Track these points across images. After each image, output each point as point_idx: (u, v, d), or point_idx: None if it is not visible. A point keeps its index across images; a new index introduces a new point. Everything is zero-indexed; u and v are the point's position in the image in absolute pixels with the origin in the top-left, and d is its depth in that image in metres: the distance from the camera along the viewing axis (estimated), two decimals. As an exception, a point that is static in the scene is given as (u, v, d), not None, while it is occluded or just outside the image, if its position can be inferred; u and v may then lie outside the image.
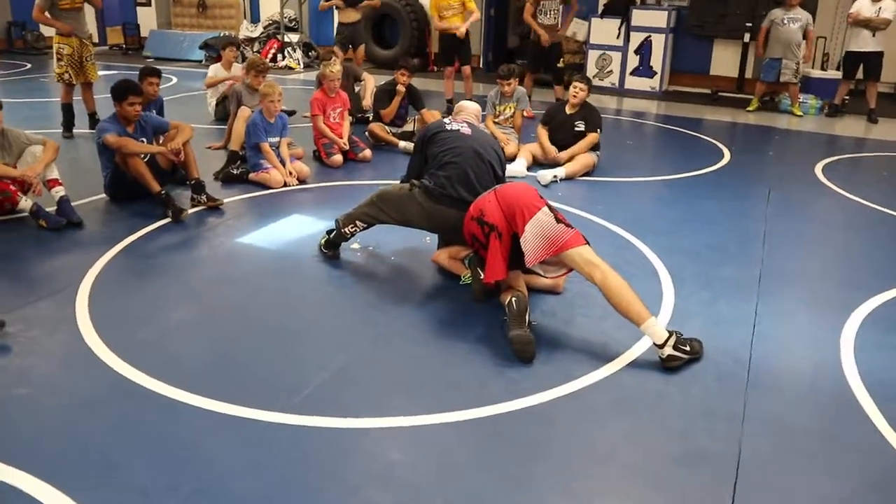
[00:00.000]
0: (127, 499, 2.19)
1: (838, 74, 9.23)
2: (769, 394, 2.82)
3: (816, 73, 9.75)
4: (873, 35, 8.41)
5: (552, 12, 8.28)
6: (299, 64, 12.48)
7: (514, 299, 3.04)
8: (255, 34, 13.27)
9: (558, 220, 3.16)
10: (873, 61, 8.54)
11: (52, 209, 4.51)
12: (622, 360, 3.03)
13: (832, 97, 9.11)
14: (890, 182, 6.12)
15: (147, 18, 14.70)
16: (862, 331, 3.35)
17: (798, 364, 3.07)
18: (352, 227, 3.90)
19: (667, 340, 2.94)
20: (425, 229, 3.88)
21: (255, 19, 14.03)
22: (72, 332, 3.19)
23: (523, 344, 2.96)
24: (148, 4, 14.81)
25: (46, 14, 6.46)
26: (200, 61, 12.63)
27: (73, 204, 4.60)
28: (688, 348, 2.97)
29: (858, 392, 2.84)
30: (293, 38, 12.80)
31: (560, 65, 8.55)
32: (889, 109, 9.18)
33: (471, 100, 8.56)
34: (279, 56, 12.54)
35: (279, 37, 12.77)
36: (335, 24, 13.50)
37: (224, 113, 7.51)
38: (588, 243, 3.17)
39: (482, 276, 3.42)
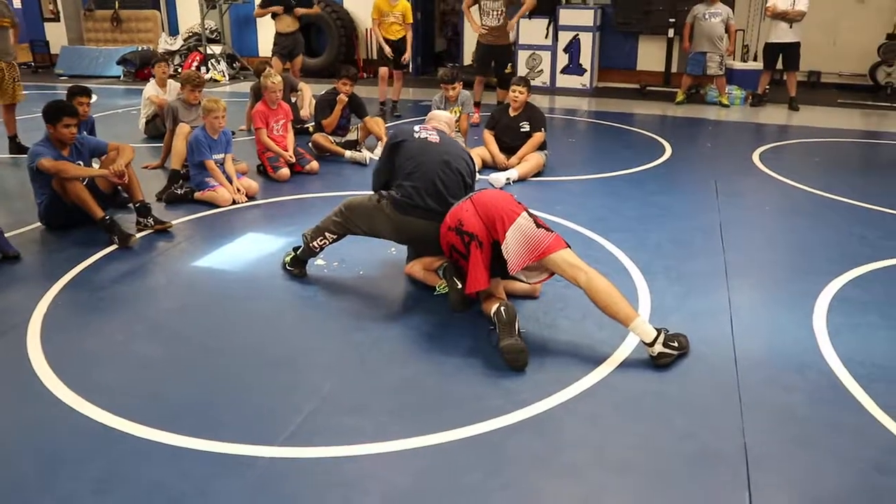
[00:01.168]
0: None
1: (759, 65, 9.60)
2: (760, 384, 2.86)
3: (738, 64, 10.12)
4: (790, 27, 8.79)
5: (494, 13, 8.23)
6: (224, 76, 12.12)
7: (502, 308, 2.99)
8: (175, 47, 12.81)
9: (538, 225, 3.13)
10: (791, 52, 8.92)
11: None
12: (613, 361, 3.01)
13: (755, 87, 9.47)
14: (824, 167, 6.39)
15: (56, 35, 13.97)
16: (831, 315, 3.44)
17: (781, 353, 3.12)
18: (321, 240, 3.75)
19: (656, 338, 2.95)
20: (395, 241, 3.78)
21: (173, 32, 13.56)
22: (27, 376, 2.94)
23: (516, 353, 2.91)
24: (56, 20, 14.10)
25: None
26: (119, 77, 12.11)
27: (6, 235, 4.28)
28: (676, 344, 2.98)
29: (843, 376, 2.91)
30: (216, 49, 12.43)
31: (508, 70, 8.45)
32: (807, 97, 9.61)
33: (397, 102, 8.65)
34: (203, 69, 12.14)
35: (201, 49, 12.37)
36: (258, 35, 13.35)
37: (155, 130, 7.22)
38: (569, 246, 3.15)
39: (459, 287, 3.37)
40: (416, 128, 3.79)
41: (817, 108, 9.19)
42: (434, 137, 3.68)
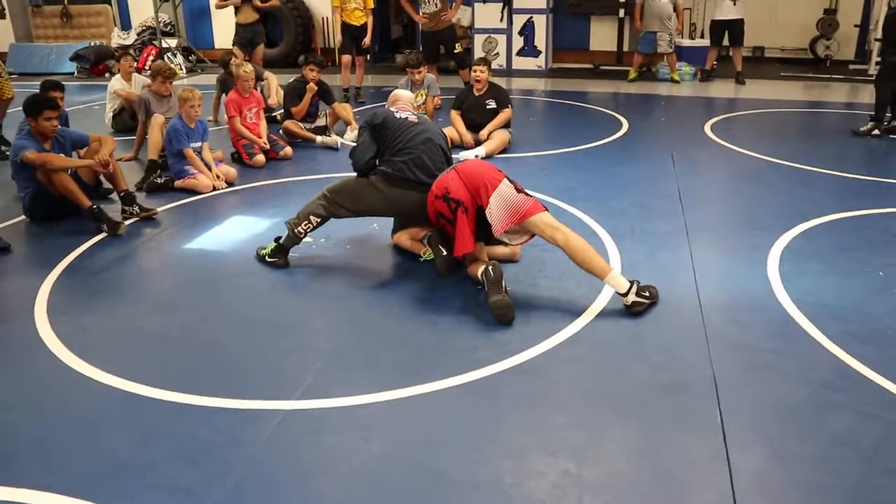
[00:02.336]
0: (173, 499, 2.23)
1: (706, 42, 10.03)
2: (723, 325, 3.19)
3: (687, 42, 10.53)
4: (734, 4, 9.21)
5: (431, 0, 8.51)
6: (182, 69, 12.08)
7: (489, 268, 3.25)
8: (129, 41, 12.69)
9: (518, 191, 3.40)
10: (736, 28, 9.36)
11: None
12: (591, 312, 3.31)
13: (703, 63, 9.90)
14: (770, 135, 6.81)
15: (3, 32, 13.70)
16: (782, 264, 3.80)
17: (739, 297, 3.46)
18: (305, 225, 3.83)
19: (629, 289, 3.25)
20: (384, 214, 3.99)
21: (125, 26, 13.42)
22: (45, 354, 3.10)
23: (504, 308, 3.18)
24: (2, 17, 13.79)
25: None
26: (72, 73, 11.98)
27: (-8, 229, 4.39)
28: (647, 294, 3.29)
29: (794, 314, 3.26)
30: (171, 42, 12.38)
31: (457, 50, 8.80)
32: (752, 71, 10.07)
33: (360, 88, 8.83)
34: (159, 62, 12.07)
35: (156, 42, 12.30)
36: (213, 27, 13.31)
37: (123, 124, 7.29)
38: (547, 210, 3.43)
39: (444, 253, 3.63)
40: (393, 108, 4.02)
41: (762, 82, 9.66)
42: (413, 118, 3.92)
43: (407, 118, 3.90)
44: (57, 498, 2.24)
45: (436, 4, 8.49)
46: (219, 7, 8.92)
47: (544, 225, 3.35)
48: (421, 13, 8.57)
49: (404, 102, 4.23)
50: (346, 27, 8.54)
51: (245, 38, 8.70)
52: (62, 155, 4.75)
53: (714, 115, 7.61)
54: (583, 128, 7.37)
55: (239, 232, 4.59)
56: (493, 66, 6.75)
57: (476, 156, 5.89)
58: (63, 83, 5.80)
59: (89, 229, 4.55)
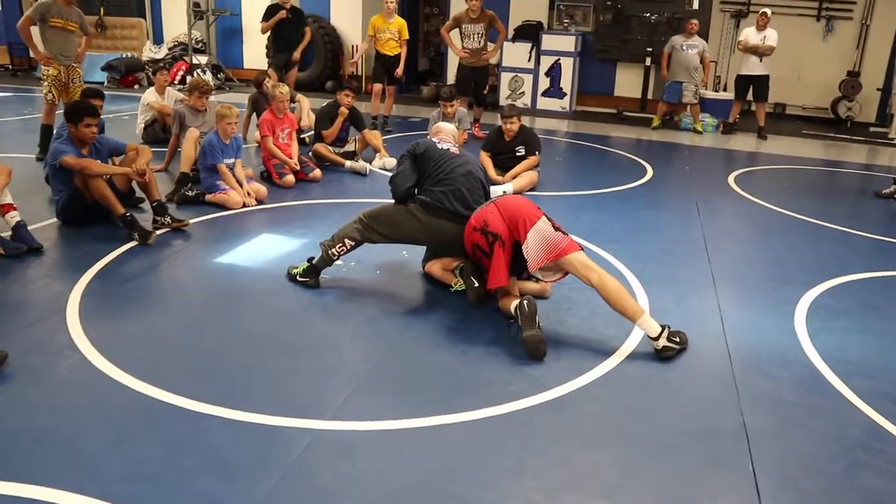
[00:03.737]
0: (204, 509, 2.24)
1: (730, 96, 10.15)
2: (752, 375, 3.20)
3: (711, 94, 10.67)
4: (760, 60, 9.34)
5: (475, 35, 8.66)
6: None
7: (525, 302, 3.28)
8: (160, 56, 12.94)
9: (556, 229, 3.44)
10: (761, 84, 9.47)
11: (5, 234, 4.34)
12: (621, 353, 3.33)
13: (726, 116, 10.01)
14: (794, 191, 6.87)
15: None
16: (809, 320, 3.81)
17: (768, 350, 3.47)
18: (340, 247, 3.87)
19: (660, 333, 3.27)
20: (419, 243, 4.02)
21: (158, 40, 13.67)
22: (78, 358, 3.12)
23: (536, 343, 3.19)
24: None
25: (32, 30, 6.51)
26: (102, 83, 12.17)
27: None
28: (678, 339, 3.31)
29: (824, 371, 3.26)
30: (202, 59, 12.59)
31: (485, 91, 8.93)
32: (773, 127, 10.18)
33: (388, 117, 8.96)
34: (188, 78, 12.27)
35: (186, 58, 12.51)
36: (244, 46, 13.53)
37: (154, 136, 7.39)
38: (582, 249, 3.47)
39: (476, 285, 3.66)
40: (435, 139, 4.08)
41: (783, 138, 9.76)
42: (454, 150, 3.98)
43: (449, 149, 3.96)
44: (88, 501, 2.25)
45: (479, 41, 8.64)
46: (265, 31, 9.01)
47: (580, 264, 3.38)
48: (463, 47, 8.70)
49: (446, 134, 4.30)
50: (379, 56, 8.69)
51: (282, 60, 8.85)
52: (99, 161, 4.82)
53: (736, 168, 7.69)
54: (608, 171, 7.44)
55: (268, 250, 4.63)
56: (518, 105, 6.84)
57: (504, 192, 5.95)
58: (104, 92, 5.91)
59: (120, 236, 4.60)
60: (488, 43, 8.76)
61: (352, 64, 8.25)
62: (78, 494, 2.27)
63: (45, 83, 6.61)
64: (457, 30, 8.74)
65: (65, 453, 2.48)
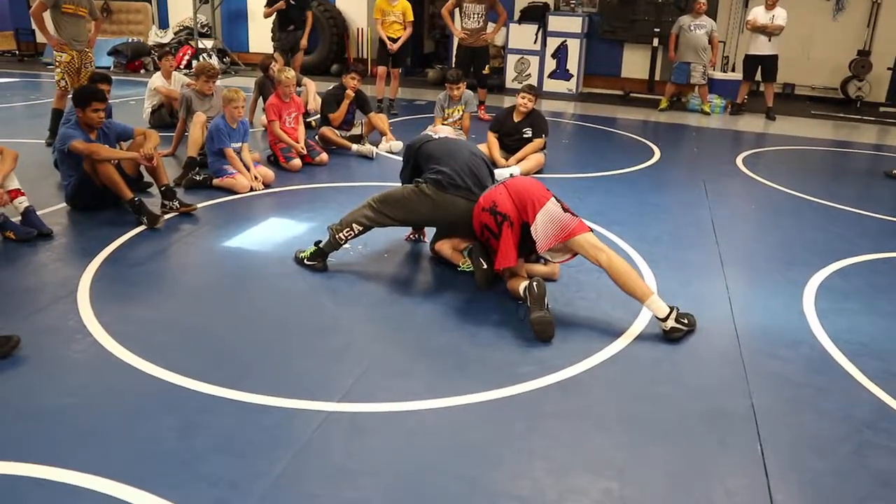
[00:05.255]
0: (216, 491, 2.26)
1: (739, 76, 10.07)
2: (761, 357, 3.20)
3: (718, 74, 10.59)
4: (769, 40, 9.26)
5: (475, 16, 8.61)
6: (216, 70, 12.23)
7: (534, 284, 3.28)
8: (166, 40, 12.92)
9: (565, 210, 3.44)
10: (770, 64, 9.40)
11: (15, 219, 4.36)
12: (629, 335, 3.33)
13: (734, 97, 9.94)
14: (803, 172, 6.83)
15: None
16: (818, 301, 3.81)
17: (776, 331, 3.47)
18: (347, 232, 3.88)
19: (669, 314, 3.27)
20: (429, 223, 4.04)
21: (163, 25, 13.64)
22: (89, 341, 3.15)
23: (545, 325, 3.20)
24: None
25: (44, 16, 6.49)
26: (109, 68, 12.15)
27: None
28: (686, 321, 3.31)
29: (833, 352, 3.26)
30: (207, 44, 12.55)
31: (485, 71, 8.88)
32: (782, 108, 10.10)
33: (394, 101, 8.93)
34: (194, 62, 12.25)
35: (192, 43, 12.48)
36: (249, 30, 13.49)
37: (160, 120, 7.38)
38: (591, 230, 3.46)
39: (484, 266, 3.66)
40: (430, 132, 4.14)
41: (792, 118, 9.69)
42: (453, 136, 4.02)
43: (446, 136, 4.04)
44: (104, 482, 2.27)
45: (479, 22, 8.59)
46: (267, 15, 8.99)
47: (588, 245, 3.38)
48: (462, 28, 8.66)
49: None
50: (382, 41, 8.65)
51: (287, 43, 8.82)
52: (108, 146, 4.83)
53: (744, 149, 7.64)
54: (615, 153, 7.41)
55: (275, 233, 4.65)
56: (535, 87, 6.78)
57: (511, 175, 5.94)
58: (111, 76, 5.91)
59: (129, 220, 4.62)
60: (488, 24, 8.71)
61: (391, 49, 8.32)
62: (92, 475, 2.29)
63: (59, 69, 6.62)
64: (457, 9, 8.70)
65: (78, 435, 2.51)
